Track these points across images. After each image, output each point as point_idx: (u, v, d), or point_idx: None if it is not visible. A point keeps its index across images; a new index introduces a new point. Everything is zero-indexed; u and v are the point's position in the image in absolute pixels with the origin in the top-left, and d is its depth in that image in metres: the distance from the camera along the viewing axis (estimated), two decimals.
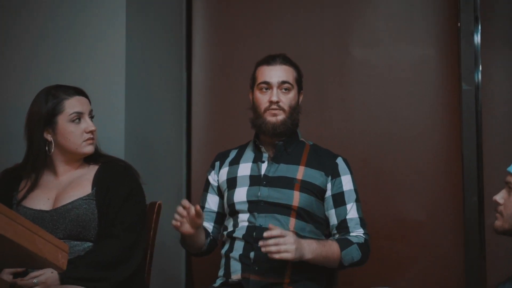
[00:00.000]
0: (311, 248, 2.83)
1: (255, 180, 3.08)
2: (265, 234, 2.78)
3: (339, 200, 3.04)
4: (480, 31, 3.88)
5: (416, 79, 4.01)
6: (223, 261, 3.07)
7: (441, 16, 4.01)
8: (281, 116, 3.05)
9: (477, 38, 3.87)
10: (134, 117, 3.61)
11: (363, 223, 3.03)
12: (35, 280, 2.69)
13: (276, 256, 2.74)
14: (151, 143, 3.85)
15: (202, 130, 4.29)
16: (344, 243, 2.93)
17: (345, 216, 3.01)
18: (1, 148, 3.62)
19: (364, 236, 2.99)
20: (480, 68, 3.88)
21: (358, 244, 2.94)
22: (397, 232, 3.98)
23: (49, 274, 2.70)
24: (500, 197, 2.49)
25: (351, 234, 2.99)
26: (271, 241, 2.75)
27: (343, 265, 2.94)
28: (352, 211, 3.02)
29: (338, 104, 4.11)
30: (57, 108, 2.93)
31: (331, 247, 2.90)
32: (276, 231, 2.76)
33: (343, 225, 3.01)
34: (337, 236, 3.01)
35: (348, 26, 4.14)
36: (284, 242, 2.74)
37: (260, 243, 2.78)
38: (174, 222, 2.89)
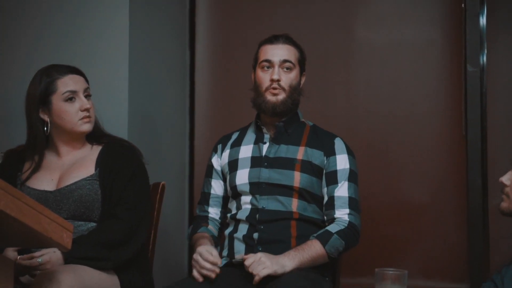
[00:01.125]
0: (290, 257, 2.85)
1: (256, 161, 3.09)
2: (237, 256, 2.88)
3: (332, 178, 3.03)
4: (485, 12, 3.86)
5: (421, 60, 4.00)
6: (226, 241, 3.08)
7: None
8: (281, 96, 3.05)
9: (483, 20, 3.86)
10: (138, 97, 3.61)
11: (352, 204, 2.99)
12: (39, 259, 2.69)
13: (256, 278, 2.75)
14: (154, 123, 3.85)
15: (205, 110, 4.29)
16: (324, 237, 2.91)
17: (333, 194, 3.00)
18: (5, 130, 3.62)
19: (347, 218, 2.95)
20: (485, 50, 3.86)
21: (338, 232, 2.91)
22: (401, 214, 3.98)
23: (52, 254, 2.70)
24: (506, 178, 2.48)
25: (336, 213, 2.97)
26: (249, 270, 2.78)
27: (334, 257, 2.95)
28: (341, 190, 3.00)
29: (342, 86, 4.10)
30: (50, 88, 2.91)
31: (313, 247, 2.89)
32: (247, 262, 2.79)
33: (329, 202, 3.00)
34: (325, 216, 3.02)
35: (353, 8, 4.13)
36: (258, 263, 2.77)
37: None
38: (196, 274, 2.86)
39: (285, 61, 3.06)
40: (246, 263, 2.79)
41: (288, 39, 3.12)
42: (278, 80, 3.04)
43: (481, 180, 3.82)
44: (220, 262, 2.87)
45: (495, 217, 3.78)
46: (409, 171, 3.99)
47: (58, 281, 2.50)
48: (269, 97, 3.05)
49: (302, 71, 3.15)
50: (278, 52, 3.07)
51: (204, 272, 2.83)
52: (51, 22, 3.64)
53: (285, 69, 3.06)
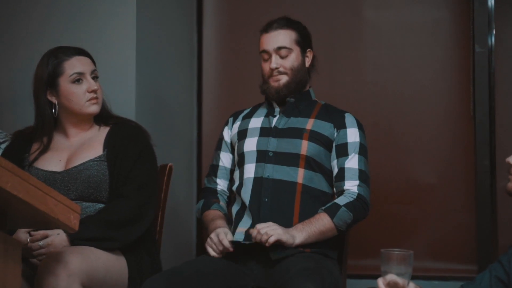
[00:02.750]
0: (299, 229, 2.87)
1: (265, 131, 3.11)
2: (251, 231, 2.85)
3: (342, 150, 3.03)
4: None
5: (429, 41, 3.99)
6: (233, 217, 3.08)
7: None
8: (283, 80, 3.08)
9: (491, 0, 3.84)
10: (145, 79, 3.61)
11: (362, 176, 3.00)
12: (40, 243, 2.70)
13: (270, 239, 2.78)
14: (162, 105, 3.85)
15: (213, 92, 4.29)
16: (332, 210, 2.91)
17: (344, 165, 3.01)
18: (13, 112, 3.63)
19: (356, 190, 2.96)
20: (494, 31, 3.84)
21: (346, 204, 2.91)
22: (409, 195, 3.98)
23: (55, 236, 2.71)
24: None
25: (345, 185, 2.97)
26: (255, 231, 2.82)
27: (343, 231, 2.96)
28: (352, 161, 3.01)
29: (349, 67, 4.09)
30: (57, 70, 2.91)
31: (321, 220, 2.90)
32: (258, 225, 2.83)
33: (340, 174, 3.01)
34: (335, 188, 3.03)
35: None
36: (268, 227, 2.80)
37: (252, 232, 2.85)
38: (211, 251, 2.92)
39: (279, 48, 3.08)
40: (258, 226, 2.82)
41: (281, 23, 3.12)
42: (277, 68, 3.07)
43: (489, 161, 3.82)
44: (231, 249, 2.89)
45: (503, 198, 3.77)
46: (417, 152, 3.99)
47: (65, 261, 2.51)
48: (272, 83, 3.09)
49: (304, 49, 3.15)
50: (272, 40, 3.09)
51: (217, 252, 2.89)
52: (58, 4, 3.64)
53: (282, 55, 3.08)
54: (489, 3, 3.83)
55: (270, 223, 2.84)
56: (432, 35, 3.98)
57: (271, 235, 2.78)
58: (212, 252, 2.91)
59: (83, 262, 2.56)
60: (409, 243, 3.94)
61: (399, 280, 2.23)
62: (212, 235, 2.93)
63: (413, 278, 2.28)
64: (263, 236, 2.79)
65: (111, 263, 2.74)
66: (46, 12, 3.66)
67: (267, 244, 2.79)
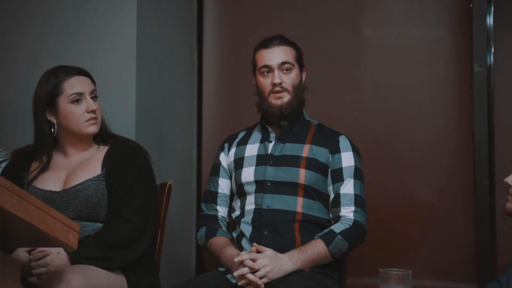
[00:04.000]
0: (293, 259, 2.86)
1: (261, 159, 3.09)
2: (236, 259, 2.83)
3: (337, 175, 3.03)
4: (492, 12, 3.86)
5: (428, 60, 4.00)
6: (235, 244, 3.08)
7: None
8: (286, 98, 3.06)
9: (490, 20, 3.85)
10: (145, 97, 3.61)
11: (358, 201, 2.99)
12: (40, 262, 2.70)
13: (259, 282, 2.77)
14: (162, 123, 3.85)
15: (213, 111, 4.29)
16: (328, 237, 2.91)
17: (339, 191, 3.00)
18: (13, 129, 3.63)
19: (352, 217, 2.95)
20: (493, 50, 3.86)
21: (342, 232, 2.91)
22: (408, 213, 3.98)
23: (54, 255, 2.70)
24: (511, 179, 2.47)
25: (341, 211, 2.96)
26: (245, 270, 2.80)
27: (337, 258, 2.95)
28: (347, 187, 3.00)
29: (349, 85, 4.10)
30: (56, 89, 2.92)
31: (316, 248, 2.90)
32: (245, 255, 2.82)
33: (336, 200, 3.00)
34: (331, 214, 3.02)
35: (360, 7, 4.13)
36: (258, 267, 2.79)
37: (235, 273, 2.82)
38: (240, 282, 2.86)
39: (283, 63, 3.07)
40: (244, 256, 2.82)
41: (282, 40, 3.12)
42: (280, 83, 3.05)
43: (489, 180, 3.82)
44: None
45: (502, 217, 3.77)
46: (416, 170, 3.99)
47: (67, 280, 2.51)
48: (274, 101, 3.07)
49: (301, 68, 3.16)
50: (275, 55, 3.08)
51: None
52: (58, 20, 3.65)
53: (284, 71, 3.08)
54: (488, 23, 3.85)
55: (263, 259, 2.81)
56: (432, 54, 3.99)
57: (259, 283, 2.78)
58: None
59: (84, 281, 2.56)
60: (409, 262, 3.93)
61: None
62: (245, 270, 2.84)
63: None
64: (252, 284, 2.79)
65: (111, 282, 2.74)
66: (44, 28, 3.67)
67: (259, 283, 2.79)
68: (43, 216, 2.04)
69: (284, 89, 3.06)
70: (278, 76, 3.06)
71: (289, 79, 3.07)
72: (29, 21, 3.70)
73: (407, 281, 2.25)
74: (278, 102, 3.06)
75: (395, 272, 2.26)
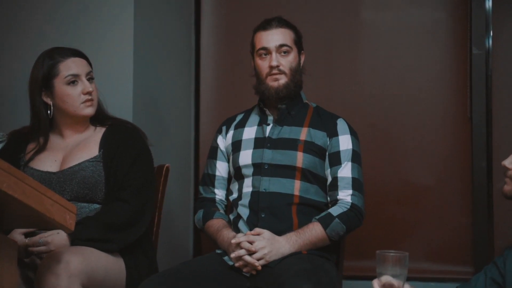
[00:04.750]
0: (291, 242, 2.87)
1: (259, 142, 3.09)
2: (233, 241, 2.85)
3: (335, 159, 3.02)
4: None
5: (426, 43, 3.99)
6: (232, 226, 3.08)
7: None
8: (282, 80, 3.05)
9: (489, 3, 3.85)
10: (142, 80, 3.61)
11: (356, 184, 2.99)
12: (40, 240, 2.70)
13: (256, 263, 2.80)
14: (159, 106, 3.85)
15: (211, 93, 4.29)
16: (326, 220, 2.91)
17: (337, 174, 3.00)
18: (10, 111, 3.63)
19: (350, 200, 2.95)
20: (491, 33, 3.85)
21: (339, 215, 2.90)
22: (406, 196, 3.98)
23: (55, 235, 2.71)
24: (509, 162, 2.46)
25: (339, 194, 2.97)
26: (242, 252, 2.82)
27: (335, 240, 2.95)
28: (345, 170, 3.00)
29: (347, 68, 4.09)
30: (52, 71, 2.91)
31: (313, 231, 2.90)
32: (243, 237, 2.84)
33: (333, 183, 3.00)
34: (329, 197, 3.03)
35: None
36: (255, 248, 2.81)
37: (232, 255, 2.84)
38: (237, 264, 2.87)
39: (281, 45, 3.05)
40: (242, 238, 2.84)
41: (281, 22, 3.10)
42: (278, 66, 3.04)
43: (486, 163, 3.83)
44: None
45: (499, 200, 3.77)
46: (414, 153, 3.99)
47: (66, 261, 2.52)
48: (271, 83, 3.05)
49: (299, 50, 3.14)
50: (273, 38, 3.06)
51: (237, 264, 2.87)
52: (58, 8, 3.63)
53: (282, 53, 3.06)
54: (487, 5, 3.84)
55: (260, 241, 2.83)
56: (430, 37, 3.98)
57: (256, 265, 2.80)
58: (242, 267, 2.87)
59: (83, 263, 2.57)
60: (406, 245, 3.94)
61: (394, 282, 2.24)
62: (242, 252, 2.86)
63: (410, 279, 2.28)
64: (249, 265, 2.82)
65: (110, 265, 2.75)
66: (46, 14, 3.65)
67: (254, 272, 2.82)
68: (40, 198, 2.04)
69: (281, 72, 3.04)
70: (275, 59, 3.04)
71: (286, 62, 3.06)
72: (32, 9, 3.68)
73: (403, 263, 2.26)
74: (275, 84, 3.05)
75: (392, 254, 2.26)
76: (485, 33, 3.84)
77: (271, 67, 3.04)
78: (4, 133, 3.27)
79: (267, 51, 3.06)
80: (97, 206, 2.86)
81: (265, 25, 3.10)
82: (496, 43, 3.87)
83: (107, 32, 3.56)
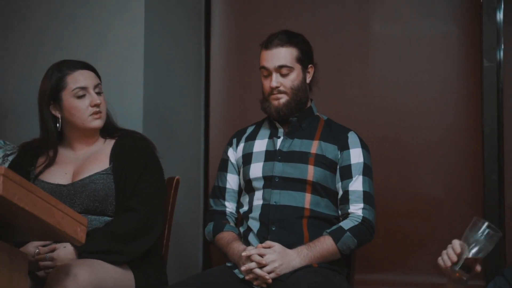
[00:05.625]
0: (302, 255, 2.86)
1: (270, 155, 3.08)
2: (243, 253, 2.85)
3: (346, 172, 3.02)
4: (502, 7, 3.83)
5: (437, 55, 3.98)
6: (242, 239, 3.07)
7: None
8: (283, 99, 3.04)
9: (500, 15, 3.83)
10: (152, 92, 3.61)
11: (367, 198, 2.98)
12: (46, 255, 2.70)
13: (267, 277, 2.79)
14: (169, 117, 3.85)
15: (220, 106, 4.28)
16: (337, 234, 2.90)
17: (348, 188, 2.99)
18: (20, 123, 3.63)
19: (361, 214, 2.94)
20: (502, 45, 3.84)
21: (351, 229, 2.90)
22: (416, 209, 3.96)
23: (61, 250, 2.70)
24: None
25: (350, 208, 2.96)
26: (252, 264, 2.81)
27: (346, 254, 2.95)
28: (356, 183, 2.99)
29: (357, 80, 4.08)
30: (60, 84, 2.92)
31: (325, 244, 2.90)
32: (253, 250, 2.84)
33: (344, 197, 3.00)
34: (340, 210, 3.02)
35: (369, 1, 4.11)
36: (266, 262, 2.81)
37: (243, 268, 2.83)
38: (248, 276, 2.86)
39: (280, 66, 3.04)
40: (252, 251, 2.84)
41: (282, 40, 3.06)
42: (278, 87, 3.03)
43: (497, 176, 3.80)
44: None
45: (511, 213, 3.76)
46: (425, 166, 3.97)
47: (74, 274, 2.52)
48: (272, 101, 3.06)
49: (306, 66, 3.12)
50: (272, 58, 3.05)
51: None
52: (68, 21, 3.64)
53: (282, 74, 3.05)
54: (498, 17, 3.83)
55: (271, 254, 2.82)
56: (441, 49, 3.97)
57: (271, 275, 2.79)
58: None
59: (91, 275, 2.56)
60: (416, 258, 3.92)
61: (460, 246, 2.31)
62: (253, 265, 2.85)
63: None
64: (259, 278, 2.81)
65: (118, 276, 2.74)
66: (51, 22, 3.65)
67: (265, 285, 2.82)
68: (51, 210, 2.04)
69: (281, 92, 3.04)
70: (275, 80, 3.03)
71: (287, 82, 3.05)
72: (33, 16, 3.69)
73: (493, 240, 2.26)
74: (275, 103, 3.05)
75: (486, 224, 2.30)
76: (496, 45, 3.82)
77: (272, 88, 3.04)
78: (14, 145, 3.28)
79: (268, 71, 3.06)
80: (107, 218, 2.85)
81: (268, 43, 3.08)
82: (507, 55, 3.85)
83: (117, 44, 3.57)
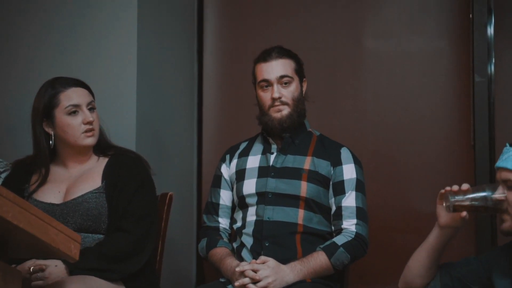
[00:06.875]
0: (295, 271, 2.87)
1: (263, 171, 3.09)
2: (237, 269, 2.85)
3: (339, 188, 3.04)
4: (493, 22, 3.86)
5: (429, 70, 3.99)
6: (235, 254, 3.07)
7: (454, 7, 3.98)
8: (285, 111, 3.06)
9: (490, 30, 3.85)
10: (146, 109, 3.61)
11: (360, 213, 3.00)
12: (38, 274, 2.69)
13: None
14: (162, 134, 3.85)
15: (213, 121, 4.28)
16: (330, 249, 2.92)
17: (341, 204, 3.00)
18: (12, 139, 3.63)
19: (354, 229, 2.96)
20: (493, 60, 3.85)
21: (344, 245, 2.92)
22: (409, 224, 3.96)
23: (52, 268, 2.69)
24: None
25: (343, 224, 2.98)
26: (246, 280, 2.82)
27: (339, 270, 2.96)
28: (349, 199, 3.01)
29: (350, 96, 4.09)
30: (53, 101, 2.92)
31: (318, 260, 2.91)
32: (247, 266, 2.85)
33: (337, 213, 3.01)
34: (333, 226, 3.03)
35: (361, 17, 4.12)
36: (260, 277, 2.81)
37: (236, 283, 2.84)
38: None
39: (282, 76, 3.06)
40: (246, 267, 2.84)
41: (280, 52, 3.11)
42: (280, 97, 3.04)
43: None
44: None
45: None
46: (417, 181, 3.98)
47: None
48: (274, 114, 3.06)
49: (301, 79, 3.15)
50: (273, 69, 3.07)
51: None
52: (63, 36, 3.64)
53: (283, 84, 3.06)
54: (489, 33, 3.85)
55: (265, 269, 2.83)
56: (432, 64, 3.99)
57: None
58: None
59: None
60: None
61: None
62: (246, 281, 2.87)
63: None
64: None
65: None
66: (53, 45, 3.66)
67: None
68: (45, 227, 2.04)
69: (283, 103, 3.05)
70: (277, 90, 3.05)
71: (288, 92, 3.07)
72: (25, 34, 3.69)
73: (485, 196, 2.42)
74: (278, 115, 3.06)
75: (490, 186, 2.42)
76: (487, 60, 3.84)
77: (273, 99, 3.05)
78: (7, 162, 3.27)
79: (268, 83, 3.07)
80: (101, 236, 2.85)
81: (265, 56, 3.11)
82: (498, 70, 3.87)
83: (109, 59, 3.56)
